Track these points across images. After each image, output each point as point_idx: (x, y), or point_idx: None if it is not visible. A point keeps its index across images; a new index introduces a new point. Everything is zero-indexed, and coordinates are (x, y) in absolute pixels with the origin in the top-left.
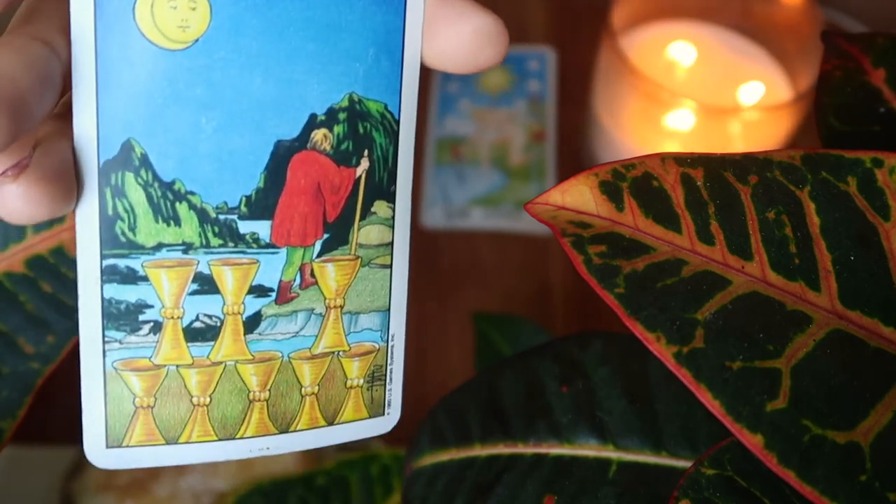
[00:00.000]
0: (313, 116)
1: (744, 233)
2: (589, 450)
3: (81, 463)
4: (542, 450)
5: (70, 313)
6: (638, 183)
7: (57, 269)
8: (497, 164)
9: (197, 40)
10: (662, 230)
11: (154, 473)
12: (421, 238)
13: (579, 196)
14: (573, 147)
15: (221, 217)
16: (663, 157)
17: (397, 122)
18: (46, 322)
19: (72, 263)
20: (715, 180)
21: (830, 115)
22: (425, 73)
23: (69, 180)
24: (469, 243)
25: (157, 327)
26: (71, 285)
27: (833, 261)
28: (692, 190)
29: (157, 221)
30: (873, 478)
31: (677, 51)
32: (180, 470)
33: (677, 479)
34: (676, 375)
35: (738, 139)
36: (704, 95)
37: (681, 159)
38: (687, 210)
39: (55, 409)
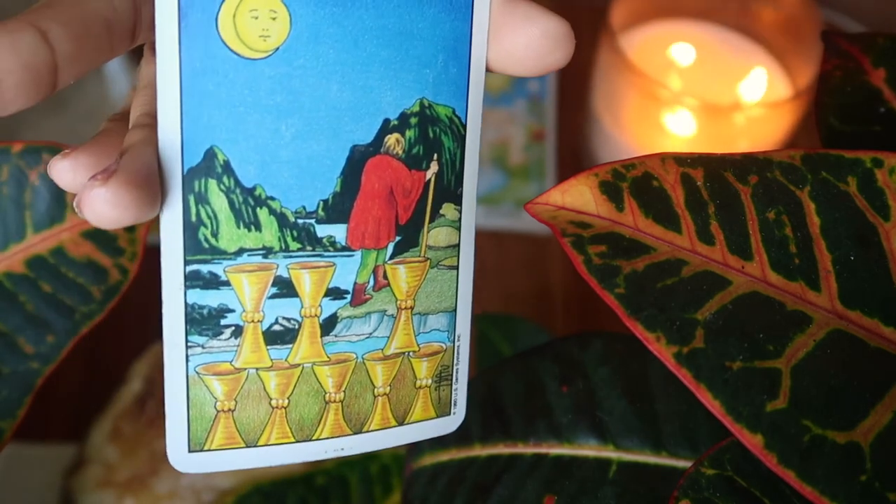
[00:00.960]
0: (387, 121)
1: (744, 233)
2: (589, 450)
3: (81, 460)
4: (542, 450)
5: (70, 313)
6: (638, 183)
7: (57, 269)
8: (497, 163)
9: (277, 49)
10: (662, 230)
11: (154, 470)
12: None
13: (579, 196)
14: (573, 147)
15: (300, 221)
16: (663, 157)
17: (464, 126)
18: (46, 322)
19: (72, 264)
20: (715, 180)
21: (830, 114)
22: None
23: (154, 186)
24: None
25: (238, 331)
26: (71, 285)
27: (833, 261)
28: (692, 190)
29: (238, 227)
30: (873, 478)
31: (677, 50)
32: None
33: (677, 479)
34: (676, 375)
35: (737, 138)
36: (704, 94)
37: (681, 159)
38: (687, 210)
39: (55, 408)
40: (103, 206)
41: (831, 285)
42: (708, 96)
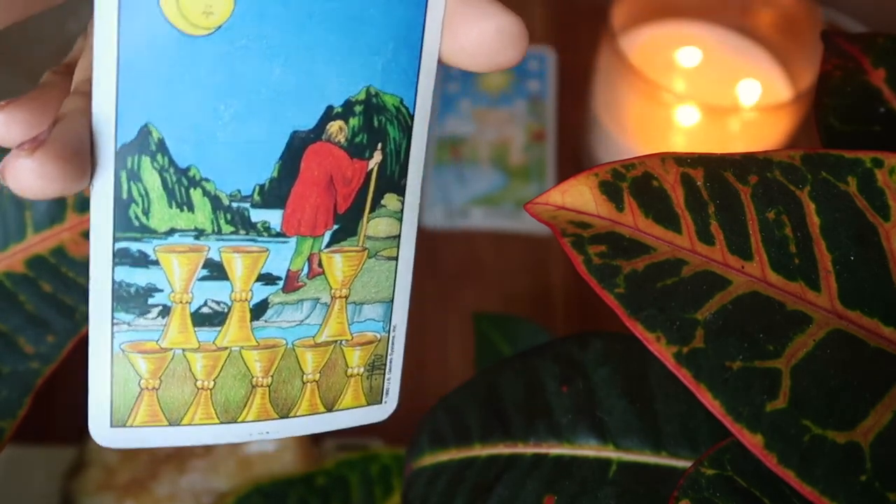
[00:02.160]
0: (330, 108)
1: (744, 233)
2: (589, 450)
3: (81, 462)
4: (542, 450)
5: (70, 313)
6: (638, 183)
7: (57, 269)
8: (497, 163)
9: (220, 27)
10: (662, 230)
11: (154, 473)
12: (421, 238)
13: (579, 196)
14: (573, 147)
15: (234, 205)
16: (663, 157)
17: (412, 117)
18: (46, 322)
19: (72, 263)
20: (715, 180)
21: (830, 115)
22: None
23: (84, 159)
24: (469, 243)
25: (165, 311)
26: (71, 285)
27: (833, 261)
28: (692, 190)
29: (170, 207)
30: (873, 478)
31: (677, 50)
32: (181, 469)
33: (677, 479)
34: (676, 375)
35: (738, 139)
36: (704, 95)
37: (681, 159)
38: (687, 210)
39: (55, 409)
40: (28, 176)
41: (831, 285)
42: (708, 97)
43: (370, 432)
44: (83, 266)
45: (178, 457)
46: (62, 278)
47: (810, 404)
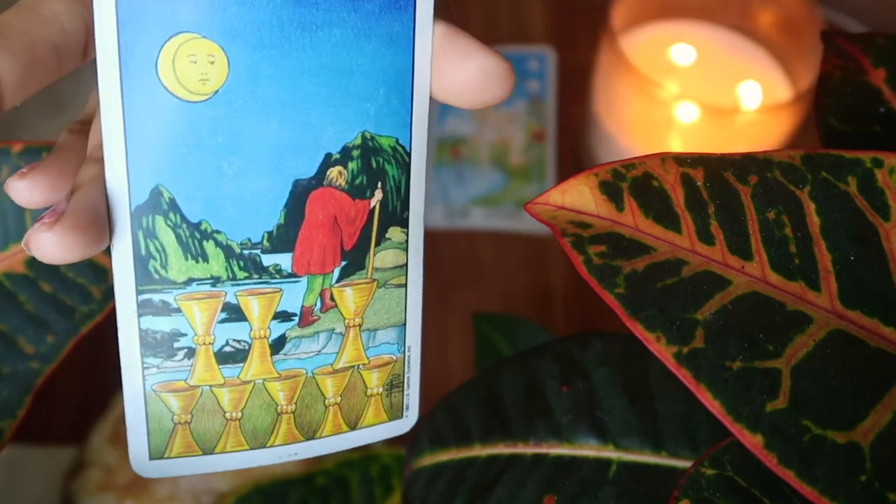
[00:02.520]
0: (328, 156)
1: (744, 233)
2: (589, 450)
3: (81, 462)
4: (542, 450)
5: (70, 313)
6: (638, 183)
7: (57, 269)
8: (497, 164)
9: (217, 92)
10: (662, 230)
11: None
12: None
13: (579, 196)
14: (573, 147)
15: (246, 252)
16: (663, 157)
17: (409, 154)
18: (46, 322)
19: (72, 264)
20: (715, 180)
21: (830, 115)
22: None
23: (101, 226)
24: (469, 243)
25: (190, 353)
26: (71, 285)
27: (833, 261)
28: (692, 190)
29: (186, 259)
30: (873, 478)
31: (677, 51)
32: None
33: (677, 479)
34: (676, 375)
35: (738, 139)
36: (704, 95)
37: (681, 159)
38: (687, 210)
39: (55, 409)
40: (49, 248)
41: (831, 285)
42: (708, 98)
43: None
44: (83, 266)
45: None
46: (62, 278)
47: (810, 404)
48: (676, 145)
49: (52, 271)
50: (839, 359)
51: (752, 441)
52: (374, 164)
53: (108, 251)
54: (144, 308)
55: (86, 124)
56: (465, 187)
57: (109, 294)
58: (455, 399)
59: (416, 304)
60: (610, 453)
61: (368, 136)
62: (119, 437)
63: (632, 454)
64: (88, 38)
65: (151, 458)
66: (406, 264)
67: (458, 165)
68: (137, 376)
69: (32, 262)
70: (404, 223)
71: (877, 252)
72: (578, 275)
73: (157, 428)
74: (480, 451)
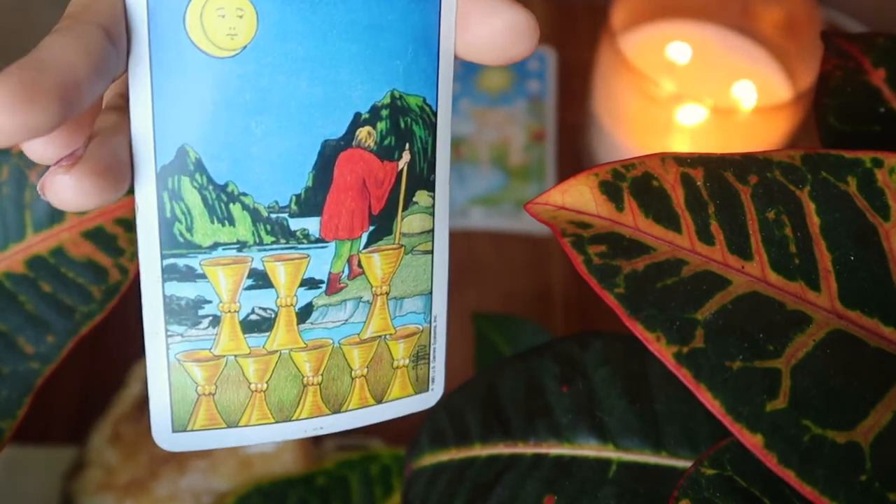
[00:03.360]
0: (357, 115)
1: (744, 233)
2: (589, 450)
3: (81, 462)
4: (542, 450)
5: (70, 313)
6: (638, 183)
7: (57, 269)
8: (497, 163)
9: (245, 47)
10: (662, 230)
11: (154, 473)
12: None
13: (579, 196)
14: (573, 147)
15: (273, 216)
16: (663, 157)
17: (435, 114)
18: (46, 322)
19: (72, 263)
20: (715, 180)
21: (830, 115)
22: None
23: (119, 173)
24: (469, 243)
25: (215, 321)
26: (71, 285)
27: (833, 261)
28: (692, 190)
29: (212, 222)
30: (873, 478)
31: (677, 50)
32: (181, 470)
33: (677, 479)
34: (676, 375)
35: (738, 139)
36: (704, 95)
37: (681, 159)
38: (687, 210)
39: (55, 409)
40: (66, 192)
41: (831, 285)
42: (708, 97)
43: (370, 432)
44: (83, 266)
45: (179, 457)
46: (62, 278)
47: (810, 404)
48: (676, 145)
49: (52, 271)
50: (839, 359)
51: (752, 441)
52: (402, 125)
53: (133, 219)
54: (169, 273)
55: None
56: (465, 187)
57: (109, 294)
58: (455, 399)
59: (442, 272)
60: (610, 453)
61: (397, 94)
62: (119, 437)
63: (632, 454)
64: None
65: (174, 430)
66: (433, 230)
67: (458, 165)
68: (161, 345)
69: (32, 262)
70: (431, 186)
71: (877, 252)
72: (578, 275)
73: (181, 399)
74: (480, 451)
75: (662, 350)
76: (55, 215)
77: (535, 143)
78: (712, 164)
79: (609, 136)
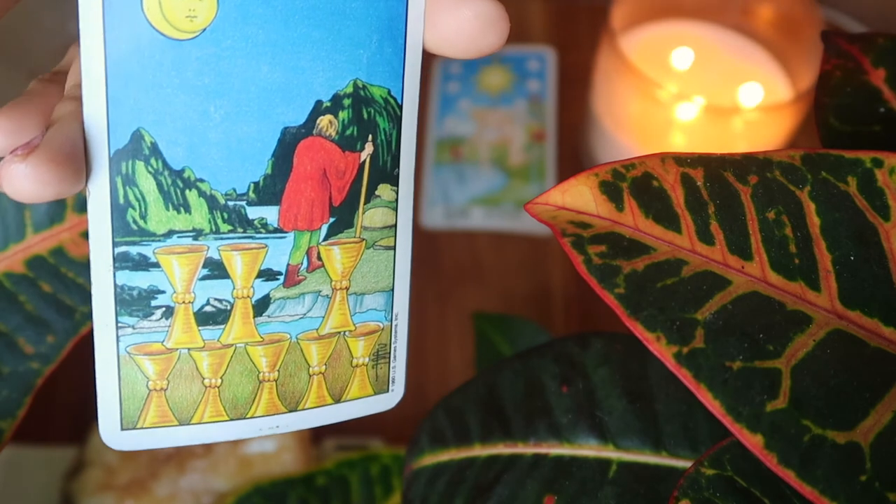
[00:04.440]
0: (319, 103)
1: (744, 233)
2: (589, 450)
3: (81, 462)
4: (542, 450)
5: (70, 313)
6: (638, 183)
7: (57, 269)
8: (497, 164)
9: (204, 30)
10: (662, 230)
11: (154, 473)
12: (421, 238)
13: (579, 196)
14: (573, 147)
15: (230, 203)
16: (663, 157)
17: (400, 107)
18: (46, 322)
19: (72, 263)
20: (715, 180)
21: (830, 115)
22: (425, 73)
23: (78, 163)
24: (469, 243)
25: (168, 312)
26: (71, 285)
27: (833, 261)
28: (692, 190)
29: (167, 209)
30: (873, 478)
31: (677, 51)
32: (180, 470)
33: (677, 479)
34: (676, 375)
35: (738, 139)
36: (704, 95)
37: (681, 159)
38: (687, 210)
39: (55, 409)
40: (22, 181)
41: (831, 285)
42: (708, 98)
43: (370, 432)
44: (83, 266)
45: (178, 457)
46: (62, 278)
47: (810, 404)
48: (676, 145)
49: (52, 271)
50: (839, 359)
51: (752, 441)
52: (365, 115)
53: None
54: (121, 262)
55: (58, 74)
56: (465, 187)
57: None
58: (455, 399)
59: (404, 269)
60: (610, 453)
61: (360, 84)
62: None
63: (632, 454)
64: None
65: (123, 428)
66: (395, 225)
67: (458, 165)
68: (111, 337)
69: (32, 262)
70: (394, 181)
71: (877, 252)
72: (578, 275)
73: (130, 395)
74: (480, 451)
75: (662, 350)
76: (55, 215)
77: (535, 143)
78: (712, 164)
79: (609, 136)
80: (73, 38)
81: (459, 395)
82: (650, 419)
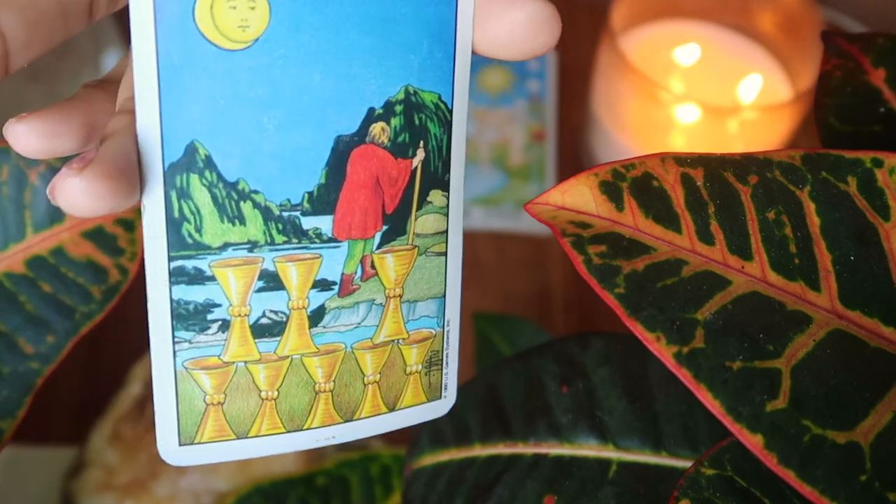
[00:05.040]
0: (371, 110)
1: (744, 233)
2: (589, 450)
3: (81, 462)
4: (542, 450)
5: (70, 313)
6: (638, 183)
7: (57, 269)
8: (497, 164)
9: (257, 39)
10: (662, 230)
11: (154, 473)
12: None
13: (579, 196)
14: (573, 147)
15: (285, 214)
16: (663, 157)
17: (450, 112)
18: (46, 322)
19: (72, 263)
20: (715, 180)
21: (830, 115)
22: None
23: (132, 177)
24: (469, 243)
25: (225, 325)
26: (71, 285)
27: (833, 261)
28: (692, 190)
29: (222, 221)
30: (873, 478)
31: (677, 50)
32: (181, 470)
33: (677, 479)
34: (676, 375)
35: (738, 139)
36: (704, 95)
37: (681, 159)
38: (687, 210)
39: (55, 409)
40: (77, 195)
41: (831, 285)
42: (708, 98)
43: None
44: (83, 266)
45: None
46: (62, 278)
47: (810, 404)
48: (676, 145)
49: (52, 271)
50: (839, 359)
51: (752, 441)
52: (416, 121)
53: (138, 214)
54: (177, 276)
55: (107, 82)
56: (465, 187)
57: (109, 294)
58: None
59: (455, 274)
60: (610, 453)
61: (412, 90)
62: (119, 437)
63: (632, 454)
64: None
65: (181, 443)
66: (447, 231)
67: None
68: (168, 352)
69: (32, 262)
70: (445, 186)
71: (877, 252)
72: (578, 275)
73: (188, 410)
74: (480, 451)
75: (662, 350)
76: (55, 215)
77: (535, 143)
78: (712, 164)
79: (609, 136)
80: (73, 42)
81: (459, 394)
82: (650, 419)
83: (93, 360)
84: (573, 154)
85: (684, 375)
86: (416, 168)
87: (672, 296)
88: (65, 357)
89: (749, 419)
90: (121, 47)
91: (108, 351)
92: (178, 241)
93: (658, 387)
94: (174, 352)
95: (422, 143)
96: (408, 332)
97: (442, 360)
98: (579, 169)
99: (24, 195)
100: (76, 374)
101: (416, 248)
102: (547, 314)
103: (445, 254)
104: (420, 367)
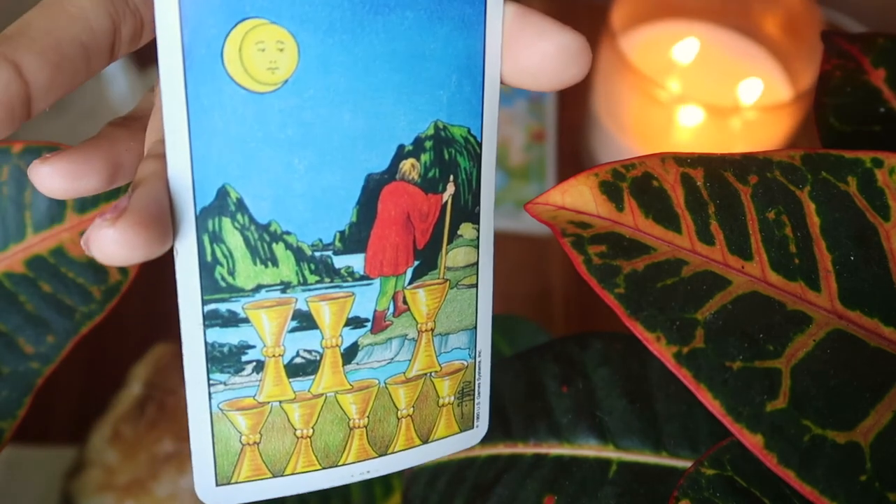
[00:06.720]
0: (401, 147)
1: (744, 233)
2: (589, 450)
3: (81, 462)
4: (542, 450)
5: (70, 313)
6: (638, 183)
7: (57, 269)
8: (497, 164)
9: (286, 81)
10: (662, 230)
11: (154, 473)
12: None
13: (579, 196)
14: (573, 147)
15: (317, 254)
16: (663, 157)
17: (480, 145)
18: (46, 322)
19: (72, 264)
20: (715, 180)
21: (830, 115)
22: None
23: (165, 224)
24: None
25: (259, 366)
26: (71, 285)
27: (833, 261)
28: (692, 190)
29: (255, 264)
30: (873, 478)
31: (677, 50)
32: (180, 469)
33: (677, 479)
34: (676, 375)
35: (738, 139)
36: (704, 95)
37: (681, 159)
38: (687, 210)
39: (55, 409)
40: (111, 246)
41: (831, 285)
42: (709, 98)
43: None
44: (83, 266)
45: (179, 457)
46: (62, 278)
47: (810, 404)
48: (676, 145)
49: (52, 271)
50: (839, 359)
51: (752, 441)
52: (446, 156)
53: (171, 257)
54: (211, 319)
55: (130, 119)
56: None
57: (109, 294)
58: None
59: (486, 305)
60: (610, 453)
61: (441, 125)
62: (119, 437)
63: (632, 454)
64: (115, 36)
65: (218, 483)
66: (477, 263)
67: None
68: (203, 395)
69: (32, 262)
70: (476, 218)
71: (877, 252)
72: (578, 275)
73: (224, 451)
74: (480, 451)
75: (662, 350)
76: (55, 215)
77: (535, 143)
78: (712, 164)
79: (609, 136)
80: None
81: None
82: (650, 419)
83: (93, 360)
84: (573, 154)
85: (684, 375)
86: (446, 202)
87: (672, 296)
88: (65, 357)
89: (749, 419)
90: (123, 63)
91: (108, 351)
92: (211, 285)
93: (658, 387)
94: (210, 394)
95: (452, 178)
96: (440, 365)
97: (474, 390)
98: (579, 169)
99: (24, 195)
100: (76, 374)
101: (448, 282)
102: (547, 314)
103: (476, 285)
104: (452, 398)
